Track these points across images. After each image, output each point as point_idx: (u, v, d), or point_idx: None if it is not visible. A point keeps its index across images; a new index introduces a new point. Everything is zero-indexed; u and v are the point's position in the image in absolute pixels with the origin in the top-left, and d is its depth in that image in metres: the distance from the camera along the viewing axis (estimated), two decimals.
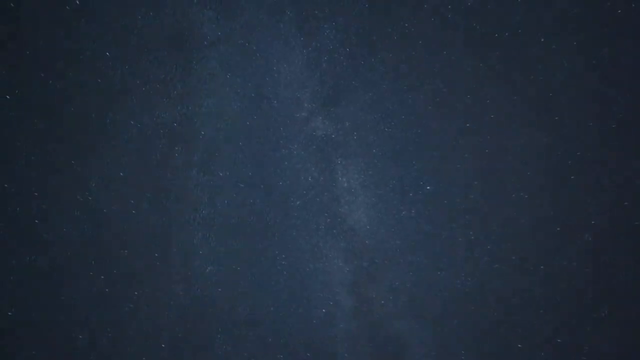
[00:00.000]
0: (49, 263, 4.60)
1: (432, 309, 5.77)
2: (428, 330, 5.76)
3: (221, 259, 5.12)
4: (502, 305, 5.74)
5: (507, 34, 4.96)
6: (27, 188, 4.45)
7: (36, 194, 4.40)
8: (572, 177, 5.33)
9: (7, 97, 4.10)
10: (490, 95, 5.26)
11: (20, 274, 4.55)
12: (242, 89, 4.93)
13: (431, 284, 5.80)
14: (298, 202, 5.26)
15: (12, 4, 3.90)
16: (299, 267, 5.37)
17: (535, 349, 5.53)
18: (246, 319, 5.26)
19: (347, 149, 5.29)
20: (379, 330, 5.71)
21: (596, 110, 5.09)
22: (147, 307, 4.95)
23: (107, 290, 4.76)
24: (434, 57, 5.11)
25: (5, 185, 4.35)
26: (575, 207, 5.37)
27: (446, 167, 5.60)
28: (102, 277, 4.75)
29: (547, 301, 5.49)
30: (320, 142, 5.22)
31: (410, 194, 5.52)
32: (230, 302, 5.22)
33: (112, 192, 4.75)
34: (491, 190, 5.60)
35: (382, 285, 5.66)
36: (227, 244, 5.14)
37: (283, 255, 5.29)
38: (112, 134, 4.72)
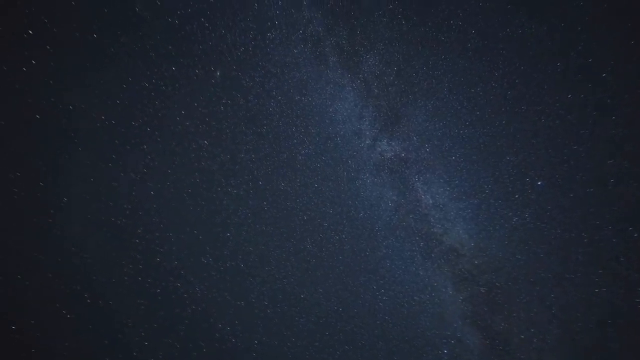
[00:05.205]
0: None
1: (603, 343, 4.18)
2: None
3: (321, 301, 5.14)
4: None
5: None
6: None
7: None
8: None
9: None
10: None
11: None
12: (307, 137, 5.37)
13: (591, 306, 4.31)
14: (384, 231, 5.02)
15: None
16: (404, 301, 4.88)
17: None
18: None
19: (422, 163, 4.93)
20: None
21: None
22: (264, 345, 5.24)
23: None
24: (492, 42, 4.56)
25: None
26: None
27: (558, 152, 4.49)
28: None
29: None
30: (391, 164, 5.05)
31: (517, 196, 4.56)
32: (341, 348, 5.05)
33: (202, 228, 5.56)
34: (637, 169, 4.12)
35: (514, 314, 4.53)
36: (325, 286, 5.18)
37: (382, 291, 4.95)
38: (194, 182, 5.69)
